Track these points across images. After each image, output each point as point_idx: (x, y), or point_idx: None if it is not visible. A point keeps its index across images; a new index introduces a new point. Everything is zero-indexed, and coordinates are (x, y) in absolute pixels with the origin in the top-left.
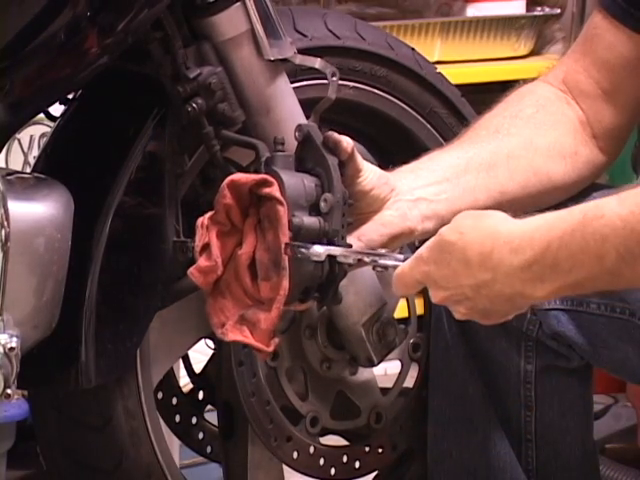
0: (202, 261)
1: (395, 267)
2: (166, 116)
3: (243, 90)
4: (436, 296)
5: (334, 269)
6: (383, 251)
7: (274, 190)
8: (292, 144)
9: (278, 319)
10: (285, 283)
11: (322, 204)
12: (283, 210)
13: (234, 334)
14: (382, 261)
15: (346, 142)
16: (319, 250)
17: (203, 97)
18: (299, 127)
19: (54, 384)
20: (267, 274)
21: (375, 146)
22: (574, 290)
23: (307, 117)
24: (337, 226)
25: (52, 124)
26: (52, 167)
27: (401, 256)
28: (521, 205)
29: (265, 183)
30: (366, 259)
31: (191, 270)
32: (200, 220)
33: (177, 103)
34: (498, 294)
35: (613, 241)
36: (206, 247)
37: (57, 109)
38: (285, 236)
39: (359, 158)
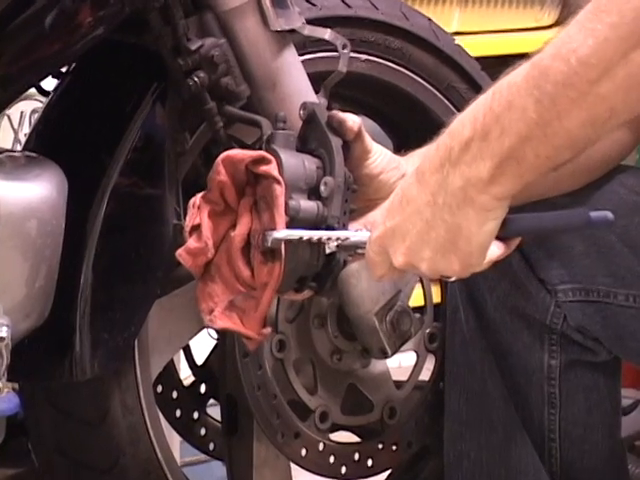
0: (191, 242)
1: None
2: (166, 91)
3: (248, 63)
4: (398, 256)
5: (331, 258)
6: (352, 230)
7: (272, 168)
8: (299, 121)
9: (269, 306)
10: (277, 268)
11: (322, 188)
12: (280, 190)
13: (223, 321)
14: (352, 239)
15: (352, 121)
16: (278, 235)
17: (205, 71)
18: (304, 105)
19: (47, 376)
20: (263, 258)
21: (389, 123)
22: (519, 164)
23: (316, 92)
24: (336, 212)
25: (44, 99)
26: (44, 145)
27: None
28: (542, 190)
29: (263, 160)
30: (332, 240)
31: (179, 251)
32: (192, 200)
33: (177, 77)
34: (453, 192)
35: (526, 86)
36: (197, 228)
37: (49, 83)
38: (281, 217)
39: (367, 139)
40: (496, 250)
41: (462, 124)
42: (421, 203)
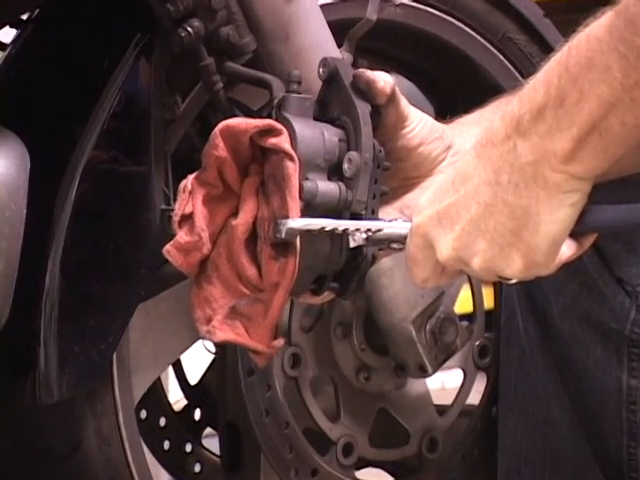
0: (182, 235)
1: None
2: (152, 44)
3: (254, 9)
4: (443, 248)
5: (357, 252)
6: (386, 220)
7: (282, 141)
8: (318, 82)
9: (281, 311)
10: (291, 265)
11: (345, 165)
12: (293, 168)
13: (224, 332)
14: (387, 230)
15: (383, 81)
16: (295, 225)
17: (201, 18)
18: (324, 61)
19: (4, 399)
20: (273, 252)
21: (430, 85)
22: (602, 136)
23: (339, 45)
24: (363, 196)
25: (0, 54)
26: (1, 112)
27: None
28: (619, 166)
29: (271, 131)
30: (360, 232)
31: (167, 247)
32: (183, 182)
33: (166, 26)
34: (522, 167)
35: (609, 40)
36: (188, 217)
37: (7, 34)
38: (295, 201)
39: (403, 103)
40: (566, 250)
41: (534, 88)
42: (479, 182)
